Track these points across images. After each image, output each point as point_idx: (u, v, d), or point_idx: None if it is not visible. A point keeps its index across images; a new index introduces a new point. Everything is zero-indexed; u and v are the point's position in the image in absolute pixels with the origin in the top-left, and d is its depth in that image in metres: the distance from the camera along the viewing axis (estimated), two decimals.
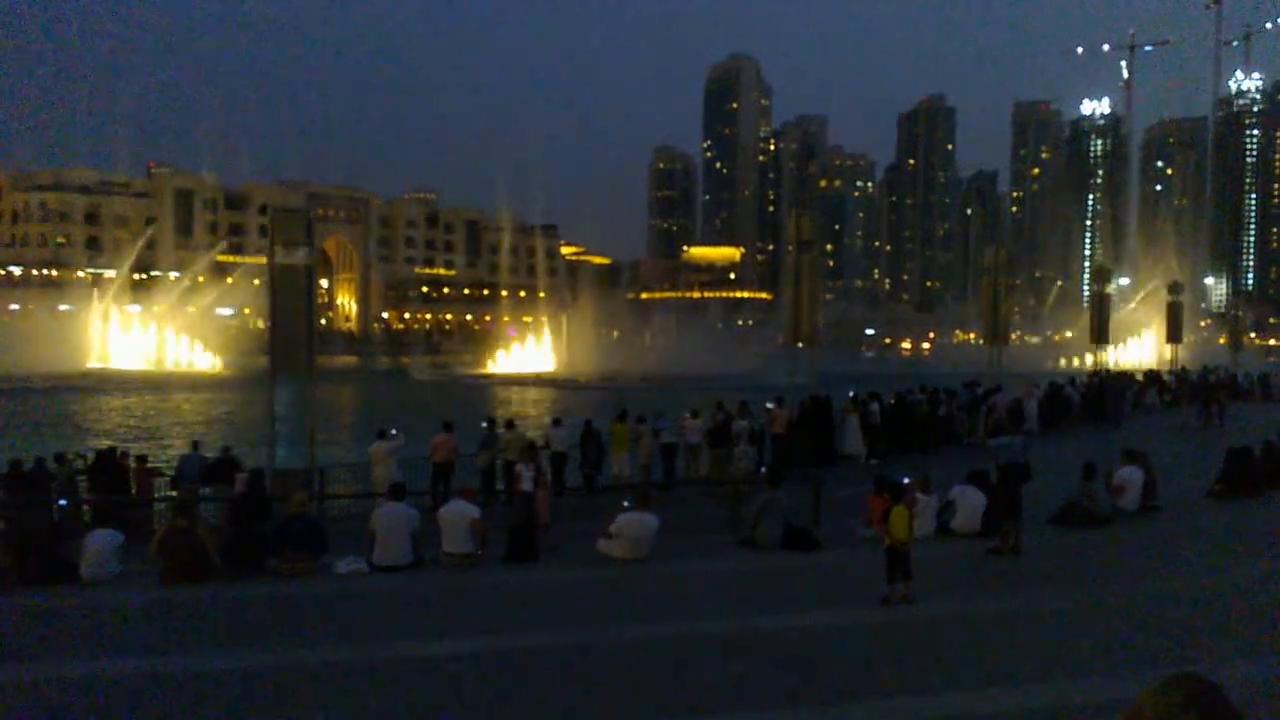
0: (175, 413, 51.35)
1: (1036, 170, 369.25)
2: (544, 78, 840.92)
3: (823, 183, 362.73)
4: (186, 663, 8.98)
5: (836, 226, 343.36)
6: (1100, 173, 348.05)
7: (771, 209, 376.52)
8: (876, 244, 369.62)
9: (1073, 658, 9.06)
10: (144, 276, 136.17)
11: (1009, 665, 8.90)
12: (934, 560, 12.80)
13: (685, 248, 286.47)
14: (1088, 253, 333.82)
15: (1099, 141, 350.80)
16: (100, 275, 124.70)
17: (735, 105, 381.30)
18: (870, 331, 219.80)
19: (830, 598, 11.87)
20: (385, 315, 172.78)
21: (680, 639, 9.76)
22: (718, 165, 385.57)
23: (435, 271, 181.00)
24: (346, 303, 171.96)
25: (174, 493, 18.02)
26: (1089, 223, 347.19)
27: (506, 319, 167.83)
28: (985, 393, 29.21)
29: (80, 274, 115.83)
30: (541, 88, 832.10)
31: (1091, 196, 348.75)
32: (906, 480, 14.25)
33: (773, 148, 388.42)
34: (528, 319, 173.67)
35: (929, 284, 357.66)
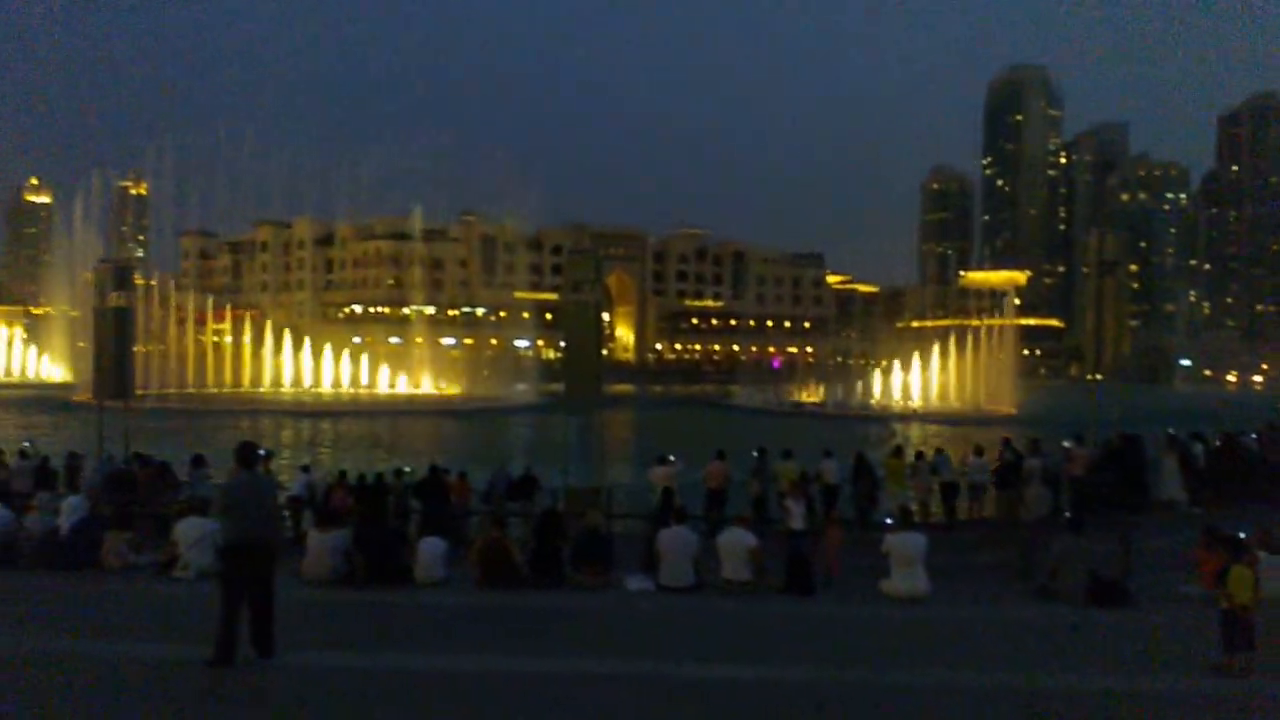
0: (480, 434, 56.52)
1: None
2: (810, 102, 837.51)
3: (1125, 196, 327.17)
4: (501, 662, 9.90)
5: (1142, 244, 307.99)
6: None
7: (1062, 227, 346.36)
8: (1192, 263, 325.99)
9: None
10: (457, 313, 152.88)
11: None
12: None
13: (961, 272, 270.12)
14: None
15: None
16: (422, 312, 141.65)
17: (1020, 117, 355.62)
18: (1186, 362, 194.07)
19: (1149, 660, 10.64)
20: (659, 346, 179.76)
21: (973, 689, 9.29)
22: (999, 183, 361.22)
23: (704, 303, 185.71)
24: (624, 334, 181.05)
25: (485, 507, 19.95)
26: None
27: (772, 349, 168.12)
28: None
29: (406, 311, 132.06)
30: (808, 113, 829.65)
31: None
32: (1244, 535, 12.43)
33: (1064, 160, 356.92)
34: (793, 349, 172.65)
35: (1259, 308, 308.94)
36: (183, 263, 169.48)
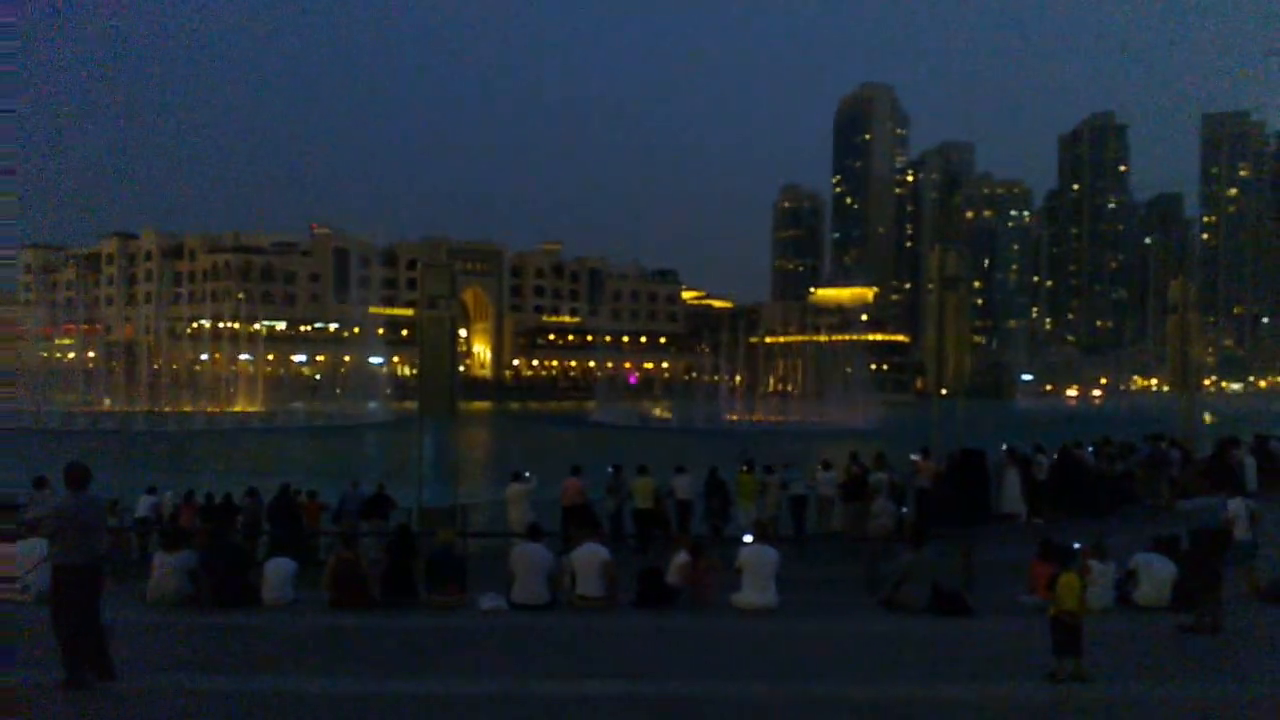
0: (334, 453, 54.59)
1: (1233, 190, 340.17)
2: (666, 119, 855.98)
3: (970, 214, 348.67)
4: (351, 685, 9.88)
5: (986, 261, 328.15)
6: None
7: (909, 244, 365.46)
8: (1035, 279, 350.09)
9: None
10: (308, 328, 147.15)
11: None
12: (1114, 635, 11.98)
13: (812, 289, 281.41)
14: None
15: None
16: (272, 327, 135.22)
17: (868, 136, 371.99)
18: (1027, 377, 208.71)
19: (986, 669, 11.23)
20: (516, 362, 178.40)
21: (817, 700, 9.61)
22: (848, 200, 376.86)
23: (561, 319, 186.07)
24: (481, 350, 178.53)
25: (336, 526, 19.58)
26: None
27: (628, 365, 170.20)
28: (1167, 448, 26.98)
29: (255, 326, 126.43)
30: (664, 129, 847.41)
31: None
32: (1078, 545, 13.34)
33: (911, 179, 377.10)
34: (649, 365, 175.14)
35: (1099, 323, 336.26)
36: (24, 276, 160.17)
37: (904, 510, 21.78)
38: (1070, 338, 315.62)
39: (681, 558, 14.71)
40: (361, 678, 10.21)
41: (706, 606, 14.04)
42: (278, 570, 14.25)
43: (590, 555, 14.04)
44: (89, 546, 9.41)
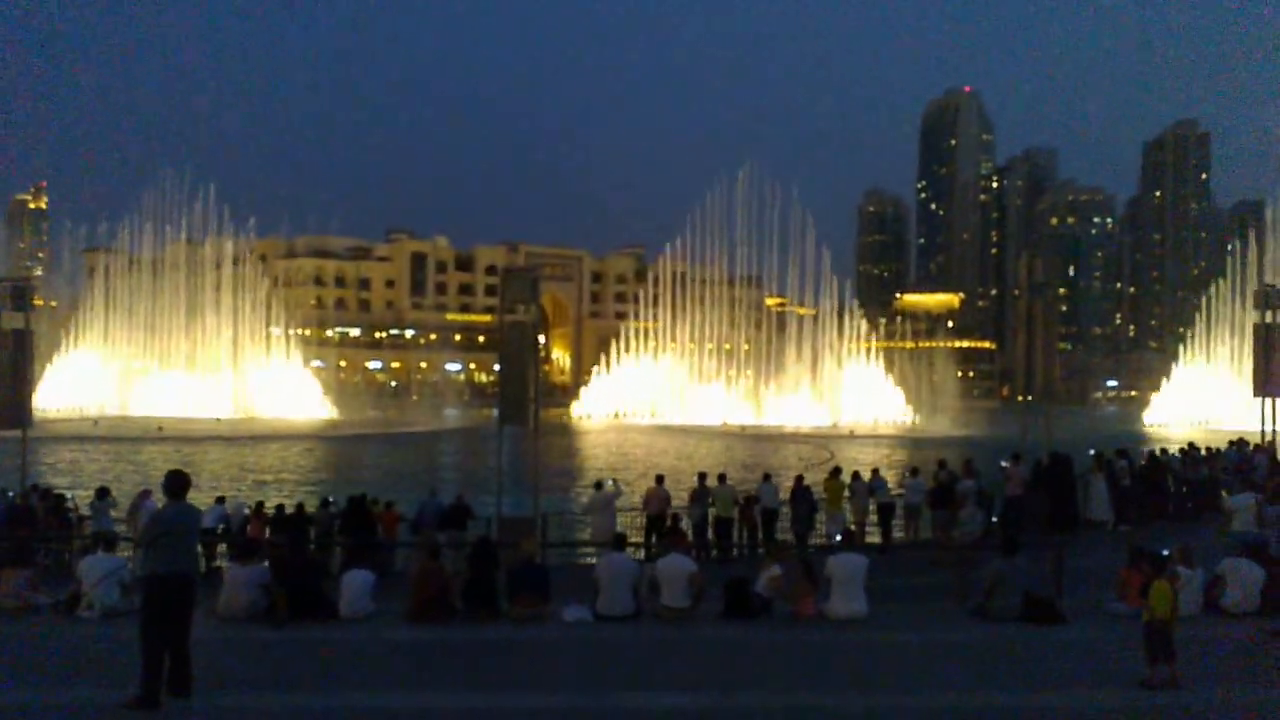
0: (409, 460, 55.74)
1: None
2: (748, 125, 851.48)
3: (1054, 220, 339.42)
4: (435, 700, 9.83)
5: (1071, 268, 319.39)
6: None
7: (995, 251, 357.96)
8: (1118, 286, 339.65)
9: None
10: (383, 335, 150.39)
11: None
12: (1202, 641, 11.83)
13: (897, 295, 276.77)
14: None
15: None
16: (346, 334, 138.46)
17: (953, 142, 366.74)
18: (1112, 383, 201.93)
19: (1080, 677, 11.11)
20: (596, 369, 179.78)
21: (913, 712, 9.58)
22: (933, 206, 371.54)
23: (643, 324, 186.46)
24: (561, 357, 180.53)
25: (414, 537, 19.56)
26: None
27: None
28: (1252, 453, 26.19)
29: (329, 333, 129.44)
30: (745, 136, 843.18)
31: None
32: (1165, 552, 13.09)
33: (996, 185, 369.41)
34: (731, 373, 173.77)
35: (1181, 330, 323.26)
36: (87, 281, 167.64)
37: (993, 519, 21.48)
38: (1154, 344, 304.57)
39: (774, 570, 14.54)
40: (445, 692, 10.12)
41: (802, 622, 14.03)
42: (356, 582, 14.01)
43: (676, 566, 13.82)
44: (186, 556, 9.31)
